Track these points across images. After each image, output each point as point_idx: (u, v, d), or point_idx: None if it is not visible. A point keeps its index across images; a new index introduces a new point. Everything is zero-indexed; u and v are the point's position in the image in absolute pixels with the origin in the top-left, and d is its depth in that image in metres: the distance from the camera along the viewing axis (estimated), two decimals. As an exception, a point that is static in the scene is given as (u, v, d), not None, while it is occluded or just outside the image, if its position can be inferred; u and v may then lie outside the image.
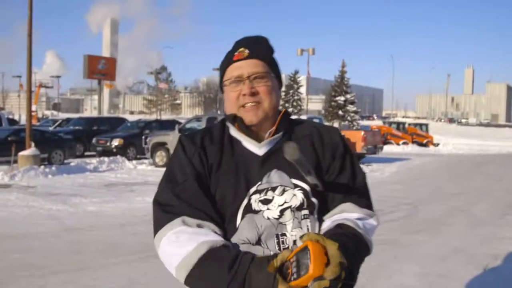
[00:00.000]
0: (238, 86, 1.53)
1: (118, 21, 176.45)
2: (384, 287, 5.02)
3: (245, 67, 1.53)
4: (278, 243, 1.44)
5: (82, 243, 6.58)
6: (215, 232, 1.41)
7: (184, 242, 1.37)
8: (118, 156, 17.93)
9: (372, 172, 17.12)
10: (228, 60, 1.58)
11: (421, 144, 34.86)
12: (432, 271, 5.57)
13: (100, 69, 58.03)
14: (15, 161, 14.32)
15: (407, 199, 11.01)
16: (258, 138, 1.54)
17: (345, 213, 1.52)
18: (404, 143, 33.85)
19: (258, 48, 1.58)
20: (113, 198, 10.30)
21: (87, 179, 13.33)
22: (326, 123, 40.77)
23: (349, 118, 47.82)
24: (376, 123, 52.02)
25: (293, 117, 1.71)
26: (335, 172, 1.56)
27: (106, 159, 17.04)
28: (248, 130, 1.53)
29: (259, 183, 1.48)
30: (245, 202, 1.46)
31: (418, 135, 36.26)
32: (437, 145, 35.68)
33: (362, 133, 20.56)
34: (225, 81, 1.57)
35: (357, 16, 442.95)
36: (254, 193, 1.47)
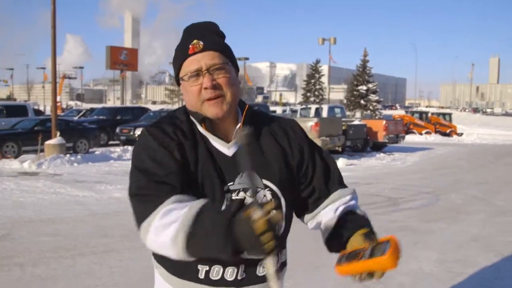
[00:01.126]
0: (198, 79, 1.49)
1: (140, 10, 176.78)
2: (403, 272, 5.11)
3: (203, 59, 1.49)
4: None
5: (108, 227, 6.79)
6: None
7: (179, 210, 1.33)
8: (142, 145, 18.18)
9: (394, 161, 17.10)
10: (184, 54, 1.52)
11: (444, 134, 34.49)
12: (450, 258, 5.64)
13: (123, 59, 58.55)
14: (42, 150, 14.69)
15: (427, 187, 11.01)
16: (224, 136, 1.54)
17: (342, 198, 1.61)
18: (427, 133, 33.54)
19: (212, 38, 1.54)
20: (137, 185, 10.51)
21: (112, 167, 13.62)
22: (348, 113, 40.53)
23: (371, 107, 47.40)
24: (398, 112, 51.49)
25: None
26: (309, 173, 1.62)
27: (129, 147, 17.34)
28: (214, 129, 1.53)
29: (231, 183, 1.50)
30: (225, 202, 1.47)
31: (441, 125, 35.86)
32: (460, 135, 35.24)
33: (384, 122, 20.52)
34: (184, 76, 1.52)
35: (379, 4, 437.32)
36: (227, 192, 1.49)
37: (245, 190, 1.50)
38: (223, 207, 1.46)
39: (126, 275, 4.82)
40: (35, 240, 6.07)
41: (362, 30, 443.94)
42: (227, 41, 1.60)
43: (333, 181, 1.64)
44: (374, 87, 48.70)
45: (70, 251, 5.58)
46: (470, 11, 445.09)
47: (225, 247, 1.22)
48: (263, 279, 1.48)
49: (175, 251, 1.31)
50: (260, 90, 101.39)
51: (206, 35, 1.54)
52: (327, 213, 1.58)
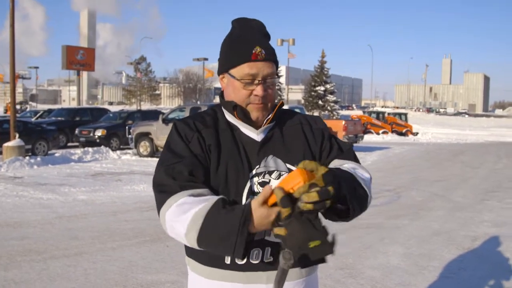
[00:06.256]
0: (251, 85, 1.59)
1: (95, 10, 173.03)
2: (371, 266, 5.30)
3: (262, 68, 1.59)
4: None
5: (78, 230, 6.73)
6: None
7: (191, 205, 1.40)
8: (102, 147, 17.94)
9: (354, 161, 17.46)
10: (245, 57, 1.59)
11: (401, 133, 35.48)
12: (416, 252, 5.89)
13: (79, 59, 57.38)
14: (0, 152, 14.30)
15: (388, 186, 11.34)
16: (254, 123, 1.65)
17: (338, 163, 1.68)
18: (383, 132, 34.38)
19: (270, 47, 1.64)
20: (101, 187, 10.42)
21: (73, 169, 13.38)
22: (307, 113, 41.03)
23: (329, 108, 48.16)
24: (355, 113, 52.50)
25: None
26: (326, 150, 1.74)
27: (90, 149, 17.05)
28: (245, 117, 1.63)
29: (257, 166, 1.60)
30: (248, 184, 1.56)
31: (398, 125, 36.84)
32: (416, 134, 36.31)
33: (343, 122, 20.92)
34: (238, 76, 1.60)
35: (337, 6, 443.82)
36: (254, 176, 1.58)
37: (269, 173, 1.60)
38: (245, 190, 1.55)
39: (102, 277, 4.81)
40: (3, 244, 5.96)
41: (319, 31, 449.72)
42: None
43: (343, 156, 1.72)
44: (332, 88, 49.41)
45: (41, 254, 5.52)
46: (425, 12, 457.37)
47: (240, 237, 1.31)
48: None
49: (189, 243, 1.42)
50: (218, 90, 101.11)
51: (265, 42, 1.65)
52: None
